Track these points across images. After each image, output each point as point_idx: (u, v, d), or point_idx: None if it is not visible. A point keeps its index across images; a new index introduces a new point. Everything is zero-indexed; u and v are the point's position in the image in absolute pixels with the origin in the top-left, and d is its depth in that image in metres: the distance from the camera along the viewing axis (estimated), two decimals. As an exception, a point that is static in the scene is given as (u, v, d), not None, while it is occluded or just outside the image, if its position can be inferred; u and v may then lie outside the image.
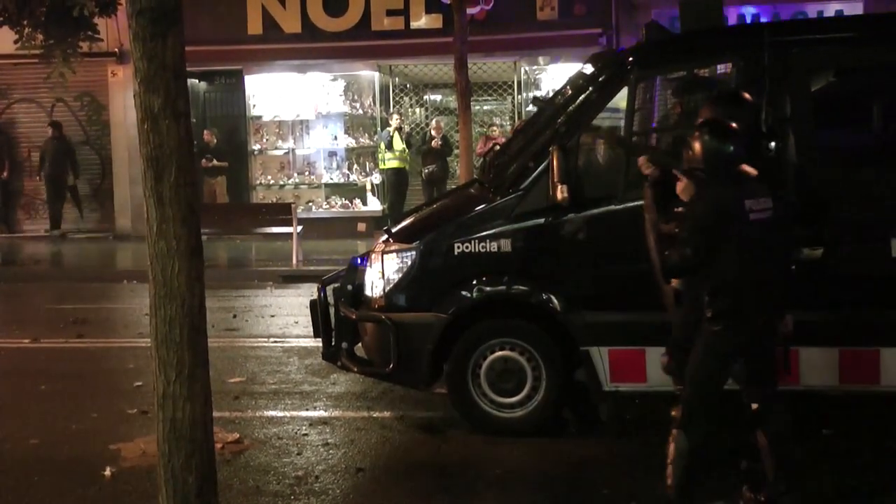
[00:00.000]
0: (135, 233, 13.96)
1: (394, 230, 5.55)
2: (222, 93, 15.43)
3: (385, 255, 5.23)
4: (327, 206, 14.86)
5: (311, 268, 11.07)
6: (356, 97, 15.01)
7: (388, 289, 5.19)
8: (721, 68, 5.46)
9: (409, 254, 5.16)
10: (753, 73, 4.82)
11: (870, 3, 12.94)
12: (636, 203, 4.56)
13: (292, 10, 14.40)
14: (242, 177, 15.01)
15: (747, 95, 4.52)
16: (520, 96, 14.61)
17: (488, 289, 5.07)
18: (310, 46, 14.20)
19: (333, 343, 5.59)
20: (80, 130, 15.47)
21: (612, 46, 13.16)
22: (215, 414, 3.33)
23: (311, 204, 14.80)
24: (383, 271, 5.21)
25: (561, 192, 4.73)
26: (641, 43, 5.37)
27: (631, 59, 5.07)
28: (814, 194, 4.68)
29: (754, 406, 3.93)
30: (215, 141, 14.68)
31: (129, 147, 14.14)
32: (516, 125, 11.40)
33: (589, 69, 5.50)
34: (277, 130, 15.16)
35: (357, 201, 14.93)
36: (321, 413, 5.76)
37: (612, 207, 4.86)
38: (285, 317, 8.82)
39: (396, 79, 14.98)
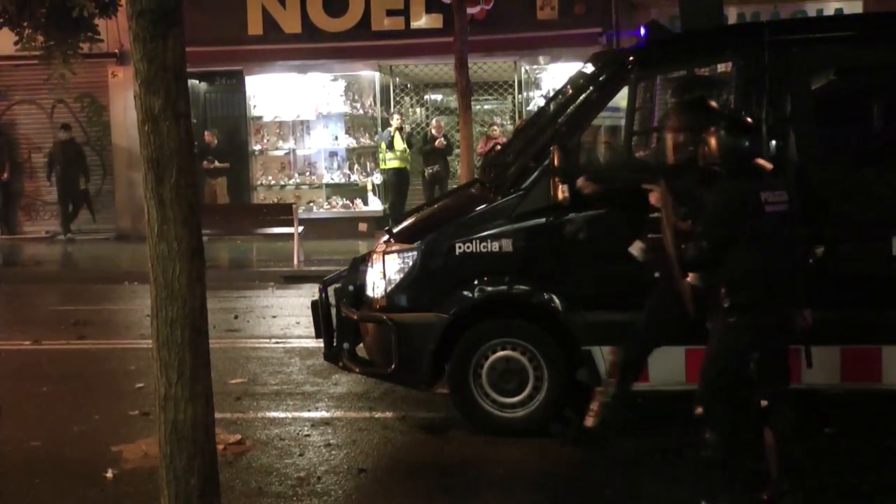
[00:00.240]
0: (136, 233, 13.95)
1: (395, 230, 5.54)
2: (223, 93, 15.44)
3: (386, 256, 5.23)
4: (328, 207, 14.87)
5: (313, 268, 11.08)
6: (357, 97, 15.01)
7: (389, 289, 5.19)
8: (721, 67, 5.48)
9: (410, 254, 5.16)
10: (754, 73, 4.82)
11: (870, 1, 12.94)
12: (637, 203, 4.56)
13: (292, 10, 14.40)
14: (243, 177, 15.01)
15: (713, 102, 4.60)
16: (520, 96, 14.61)
17: (489, 289, 5.07)
18: (310, 47, 14.21)
19: (335, 344, 5.59)
20: (80, 132, 15.47)
21: (612, 46, 13.16)
22: (217, 415, 3.33)
23: (312, 204, 14.81)
24: (384, 272, 5.21)
25: (562, 192, 4.74)
26: (642, 42, 5.37)
27: (631, 58, 5.07)
28: (814, 193, 4.68)
29: (763, 403, 3.94)
30: (216, 142, 14.70)
31: (130, 148, 14.14)
32: (517, 125, 11.40)
33: (589, 69, 5.50)
34: (278, 131, 15.16)
35: (358, 201, 14.94)
36: (323, 414, 5.76)
37: (613, 207, 4.86)
38: (287, 317, 8.83)
39: (397, 79, 14.98)
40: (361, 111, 15.03)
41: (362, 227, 14.55)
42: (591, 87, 5.10)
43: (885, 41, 4.99)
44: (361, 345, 5.54)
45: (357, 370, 5.49)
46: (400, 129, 13.96)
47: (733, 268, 3.87)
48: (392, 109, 14.65)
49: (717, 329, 3.96)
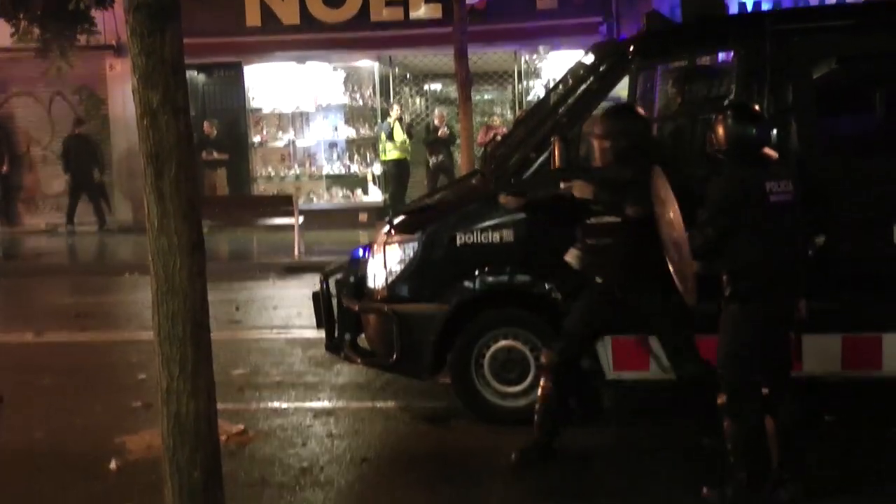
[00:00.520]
0: (135, 225, 13.94)
1: (396, 221, 5.54)
2: (221, 85, 15.36)
3: (387, 247, 5.23)
4: (328, 198, 14.86)
5: (313, 259, 11.06)
6: (356, 88, 14.97)
7: (390, 280, 5.19)
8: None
9: (411, 245, 5.16)
10: (755, 62, 4.81)
11: (871, -11, 12.88)
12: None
13: (291, 1, 14.32)
14: (243, 169, 14.98)
15: (640, 109, 4.60)
16: (520, 85, 14.58)
17: (490, 279, 5.07)
18: (309, 38, 14.14)
19: (336, 334, 5.60)
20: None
21: (612, 35, 13.12)
22: (219, 406, 3.33)
23: (312, 195, 14.80)
24: (385, 262, 5.21)
25: (563, 183, 4.73)
26: (643, 32, 5.35)
27: (632, 48, 5.05)
28: (816, 182, 4.67)
29: (765, 391, 3.95)
30: (215, 132, 14.64)
31: (129, 140, 14.08)
32: (518, 115, 11.38)
33: (590, 59, 5.48)
34: (277, 122, 15.13)
35: (358, 192, 14.93)
36: (325, 404, 5.78)
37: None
38: (288, 308, 8.83)
39: (396, 69, 14.93)
40: (361, 102, 14.99)
41: (363, 217, 14.54)
42: (591, 78, 5.09)
43: (888, 30, 4.97)
44: (363, 335, 5.55)
45: (359, 361, 5.50)
46: (400, 119, 13.94)
47: (735, 257, 3.88)
48: (392, 100, 14.61)
49: (722, 320, 3.96)
